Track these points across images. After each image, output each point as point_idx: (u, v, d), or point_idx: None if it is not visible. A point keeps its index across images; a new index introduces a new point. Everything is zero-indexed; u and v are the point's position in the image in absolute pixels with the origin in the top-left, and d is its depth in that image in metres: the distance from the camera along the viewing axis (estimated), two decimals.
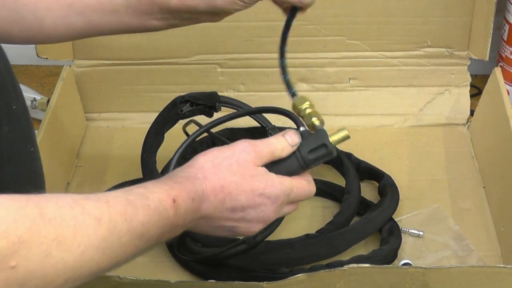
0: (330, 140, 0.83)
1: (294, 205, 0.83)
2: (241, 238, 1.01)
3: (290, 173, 0.82)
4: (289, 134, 0.81)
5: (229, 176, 0.76)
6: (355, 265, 0.96)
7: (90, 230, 0.61)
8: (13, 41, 0.91)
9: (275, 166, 0.81)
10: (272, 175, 0.79)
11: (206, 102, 1.18)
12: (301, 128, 0.84)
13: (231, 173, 0.76)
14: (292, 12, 0.94)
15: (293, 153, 0.81)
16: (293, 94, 0.89)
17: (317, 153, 0.82)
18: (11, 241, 0.55)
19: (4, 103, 0.74)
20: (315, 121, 0.85)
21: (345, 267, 0.96)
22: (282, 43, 0.93)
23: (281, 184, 0.79)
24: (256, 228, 0.80)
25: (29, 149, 0.77)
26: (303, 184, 0.82)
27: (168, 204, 0.69)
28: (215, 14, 0.93)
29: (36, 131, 1.22)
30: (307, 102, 0.88)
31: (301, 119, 0.86)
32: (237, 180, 0.76)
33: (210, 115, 1.20)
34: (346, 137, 0.85)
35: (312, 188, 0.83)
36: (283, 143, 0.80)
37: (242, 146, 0.78)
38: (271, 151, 0.80)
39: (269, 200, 0.78)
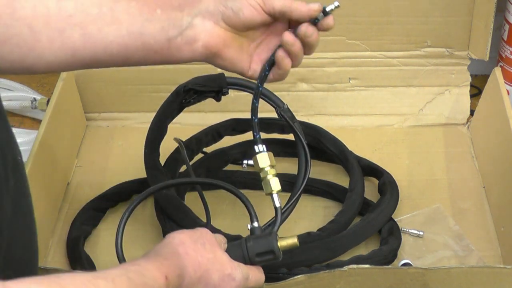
0: (279, 245, 0.89)
1: None
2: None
3: None
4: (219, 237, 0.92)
5: (205, 253, 0.85)
6: (355, 265, 0.96)
7: None
8: None
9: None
10: (232, 260, 0.88)
11: (212, 88, 1.13)
12: (255, 224, 0.92)
13: (206, 251, 0.85)
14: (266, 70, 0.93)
15: (242, 251, 0.89)
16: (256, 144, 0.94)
17: (264, 257, 0.90)
18: None
19: (12, 156, 0.76)
20: (272, 190, 0.93)
21: (345, 267, 0.96)
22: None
23: (239, 267, 0.88)
24: None
25: (29, 201, 0.80)
26: (256, 271, 0.91)
27: (162, 282, 0.76)
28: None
29: (36, 131, 1.22)
30: (268, 163, 0.94)
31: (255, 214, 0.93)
32: (211, 258, 0.85)
33: (218, 99, 1.14)
34: (295, 246, 0.91)
35: (263, 276, 0.92)
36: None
37: (205, 231, 0.88)
38: (219, 239, 0.90)
39: (234, 282, 0.86)
